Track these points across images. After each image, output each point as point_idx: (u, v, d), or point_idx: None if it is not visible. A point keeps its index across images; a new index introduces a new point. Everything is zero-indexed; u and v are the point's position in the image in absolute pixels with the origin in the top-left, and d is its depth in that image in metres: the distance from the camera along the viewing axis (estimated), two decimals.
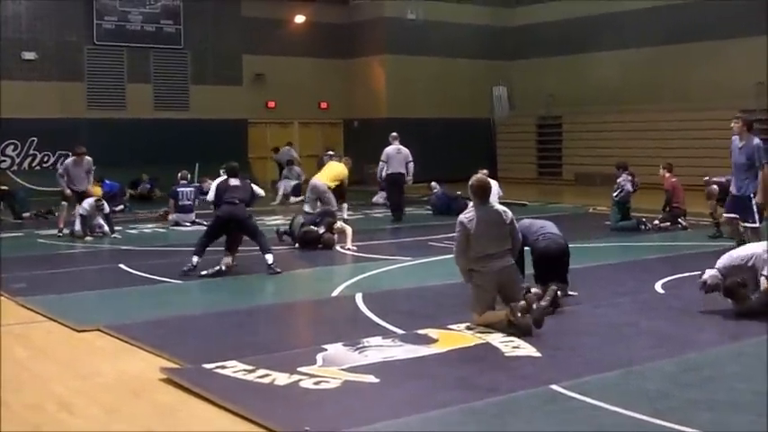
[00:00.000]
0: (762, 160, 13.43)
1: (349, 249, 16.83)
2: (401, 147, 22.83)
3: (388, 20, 37.65)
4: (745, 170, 13.70)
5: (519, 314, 9.40)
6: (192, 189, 22.60)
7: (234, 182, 14.57)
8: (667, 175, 20.48)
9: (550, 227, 11.52)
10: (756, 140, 13.68)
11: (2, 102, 30.11)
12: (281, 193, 28.46)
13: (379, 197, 26.93)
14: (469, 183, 10.20)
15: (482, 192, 10.05)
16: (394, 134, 23.28)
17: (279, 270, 14.05)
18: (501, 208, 10.15)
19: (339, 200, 20.84)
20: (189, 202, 22.30)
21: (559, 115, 37.93)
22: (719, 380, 7.83)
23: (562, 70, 37.34)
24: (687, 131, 31.78)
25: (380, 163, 23.16)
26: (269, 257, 14.18)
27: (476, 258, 9.84)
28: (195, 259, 14.00)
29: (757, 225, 13.65)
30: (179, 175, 23.34)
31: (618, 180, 20.48)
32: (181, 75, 34.57)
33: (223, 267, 14.12)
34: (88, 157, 19.85)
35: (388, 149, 22.91)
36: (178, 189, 22.54)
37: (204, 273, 13.84)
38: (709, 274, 10.64)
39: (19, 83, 30.95)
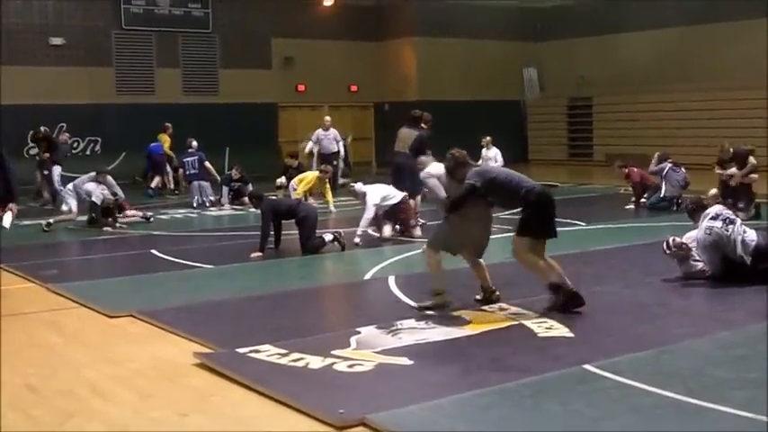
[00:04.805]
0: None
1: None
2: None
3: (417, 2, 37.53)
4: None
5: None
6: (195, 158, 22.85)
7: None
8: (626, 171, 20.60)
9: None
10: None
11: (30, 88, 30.18)
12: None
13: None
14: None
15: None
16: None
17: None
18: None
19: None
20: (194, 171, 22.57)
21: (590, 96, 37.65)
22: (751, 358, 7.77)
23: (592, 51, 36.90)
24: (719, 111, 31.50)
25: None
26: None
27: None
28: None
29: None
30: (187, 141, 23.69)
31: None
32: (210, 59, 34.52)
33: None
34: None
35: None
36: (184, 159, 23.04)
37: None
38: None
39: (47, 69, 30.96)
